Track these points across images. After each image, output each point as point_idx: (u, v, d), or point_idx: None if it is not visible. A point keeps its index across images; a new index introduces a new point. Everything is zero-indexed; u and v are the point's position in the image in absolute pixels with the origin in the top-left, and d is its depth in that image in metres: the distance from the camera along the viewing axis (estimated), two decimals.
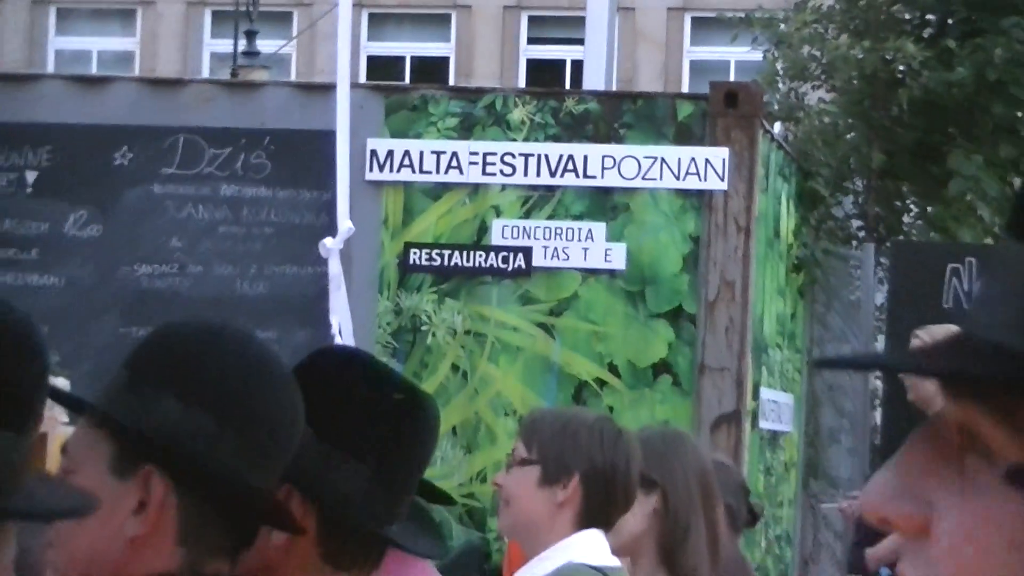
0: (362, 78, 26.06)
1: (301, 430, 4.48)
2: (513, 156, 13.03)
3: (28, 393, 3.51)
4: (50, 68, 35.46)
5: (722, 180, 12.87)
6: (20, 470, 3.52)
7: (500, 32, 41.19)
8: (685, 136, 13.29)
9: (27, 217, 12.64)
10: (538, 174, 12.97)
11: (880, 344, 16.64)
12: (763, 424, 14.35)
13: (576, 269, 12.94)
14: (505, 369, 12.53)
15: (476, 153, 12.82)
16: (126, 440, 4.28)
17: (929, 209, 20.46)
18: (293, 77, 30.23)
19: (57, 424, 5.95)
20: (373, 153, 12.01)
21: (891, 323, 16.03)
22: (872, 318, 18.28)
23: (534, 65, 39.20)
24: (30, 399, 3.53)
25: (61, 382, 4.69)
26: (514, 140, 13.18)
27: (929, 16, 20.30)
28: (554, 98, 14.32)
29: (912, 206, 20.75)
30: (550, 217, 12.97)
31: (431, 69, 37.90)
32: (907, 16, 20.50)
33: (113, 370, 4.50)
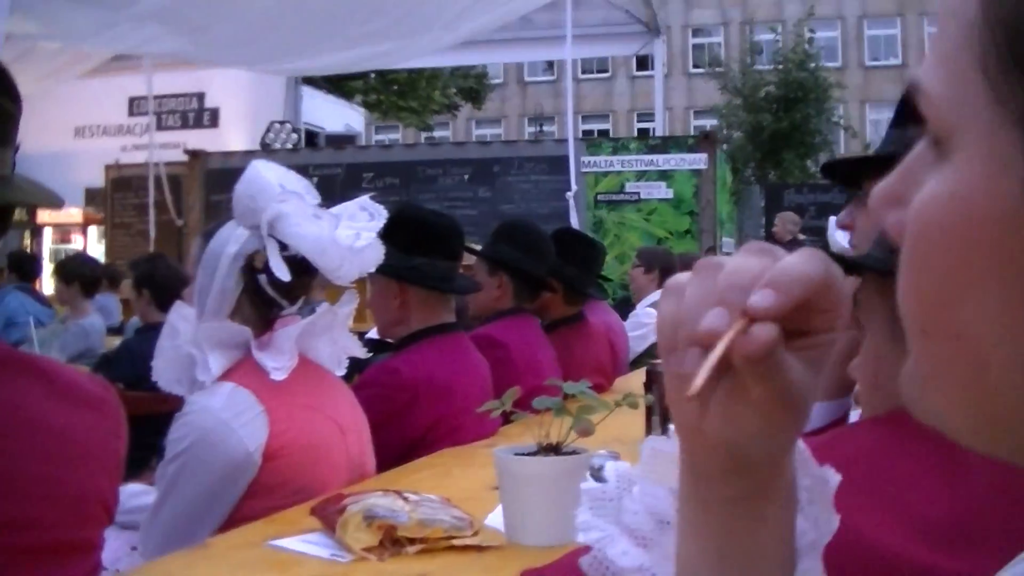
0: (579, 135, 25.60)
1: (553, 254, 4.39)
2: (628, 164, 12.32)
3: (453, 249, 3.44)
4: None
5: (705, 165, 12.33)
6: (454, 276, 3.48)
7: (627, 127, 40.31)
8: (696, 149, 12.55)
9: (453, 193, 12.43)
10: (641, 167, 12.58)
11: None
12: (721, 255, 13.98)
13: (657, 199, 12.37)
14: (632, 234, 12.23)
15: (611, 162, 12.33)
16: (487, 259, 4.22)
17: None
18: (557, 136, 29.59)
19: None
20: (582, 162, 11.64)
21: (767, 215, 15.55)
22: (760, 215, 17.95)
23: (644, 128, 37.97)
24: (455, 252, 3.46)
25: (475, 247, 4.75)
26: (629, 156, 12.40)
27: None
28: (649, 139, 13.52)
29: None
30: (645, 180, 12.47)
31: (597, 133, 37.36)
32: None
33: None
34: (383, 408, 3.01)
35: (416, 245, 3.32)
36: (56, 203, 1.82)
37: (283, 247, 2.43)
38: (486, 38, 11.37)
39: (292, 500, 2.40)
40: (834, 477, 0.83)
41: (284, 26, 8.74)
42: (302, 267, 2.46)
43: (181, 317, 2.59)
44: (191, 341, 2.51)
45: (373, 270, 2.51)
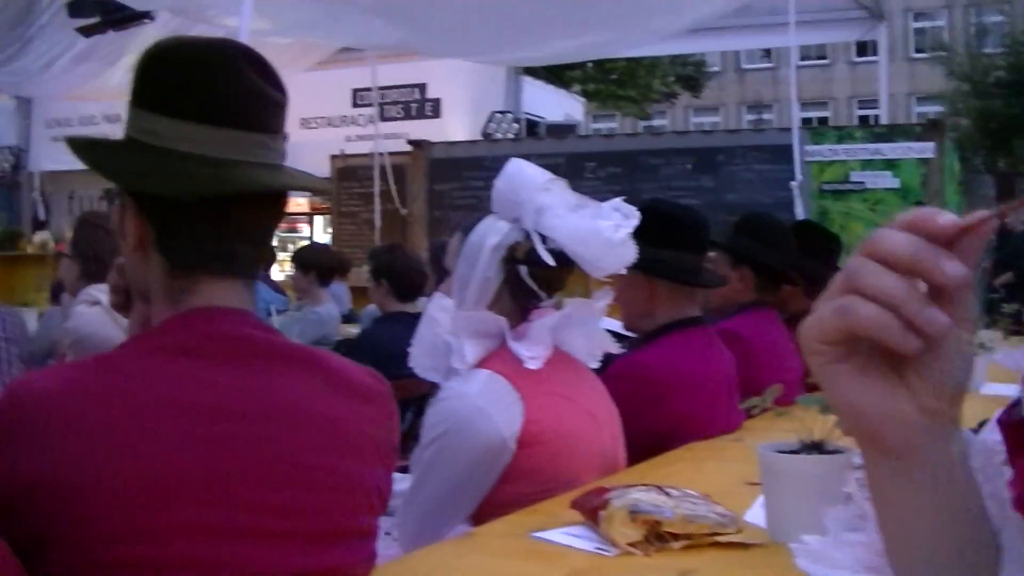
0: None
1: (793, 246, 4.29)
2: (853, 152, 11.94)
3: (700, 242, 3.42)
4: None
5: (932, 153, 11.88)
6: (701, 270, 3.44)
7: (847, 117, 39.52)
8: (923, 137, 12.21)
9: (676, 183, 12.28)
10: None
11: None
12: None
13: (883, 189, 11.97)
14: (857, 224, 11.92)
15: (836, 151, 11.93)
16: (729, 252, 4.15)
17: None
18: (776, 124, 28.93)
19: None
20: (805, 151, 11.15)
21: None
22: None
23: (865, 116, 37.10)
24: (702, 245, 3.43)
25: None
26: (853, 144, 11.93)
27: None
28: (873, 127, 13.32)
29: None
30: (870, 169, 12.16)
31: (816, 121, 36.59)
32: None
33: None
34: (632, 401, 2.98)
35: (664, 239, 3.29)
36: (325, 188, 1.86)
37: (543, 240, 2.47)
38: (706, 26, 11.23)
39: (546, 488, 2.41)
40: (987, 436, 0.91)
41: (505, 16, 8.80)
42: (561, 259, 2.49)
43: (440, 307, 2.64)
44: (449, 330, 2.55)
45: (630, 265, 2.52)
